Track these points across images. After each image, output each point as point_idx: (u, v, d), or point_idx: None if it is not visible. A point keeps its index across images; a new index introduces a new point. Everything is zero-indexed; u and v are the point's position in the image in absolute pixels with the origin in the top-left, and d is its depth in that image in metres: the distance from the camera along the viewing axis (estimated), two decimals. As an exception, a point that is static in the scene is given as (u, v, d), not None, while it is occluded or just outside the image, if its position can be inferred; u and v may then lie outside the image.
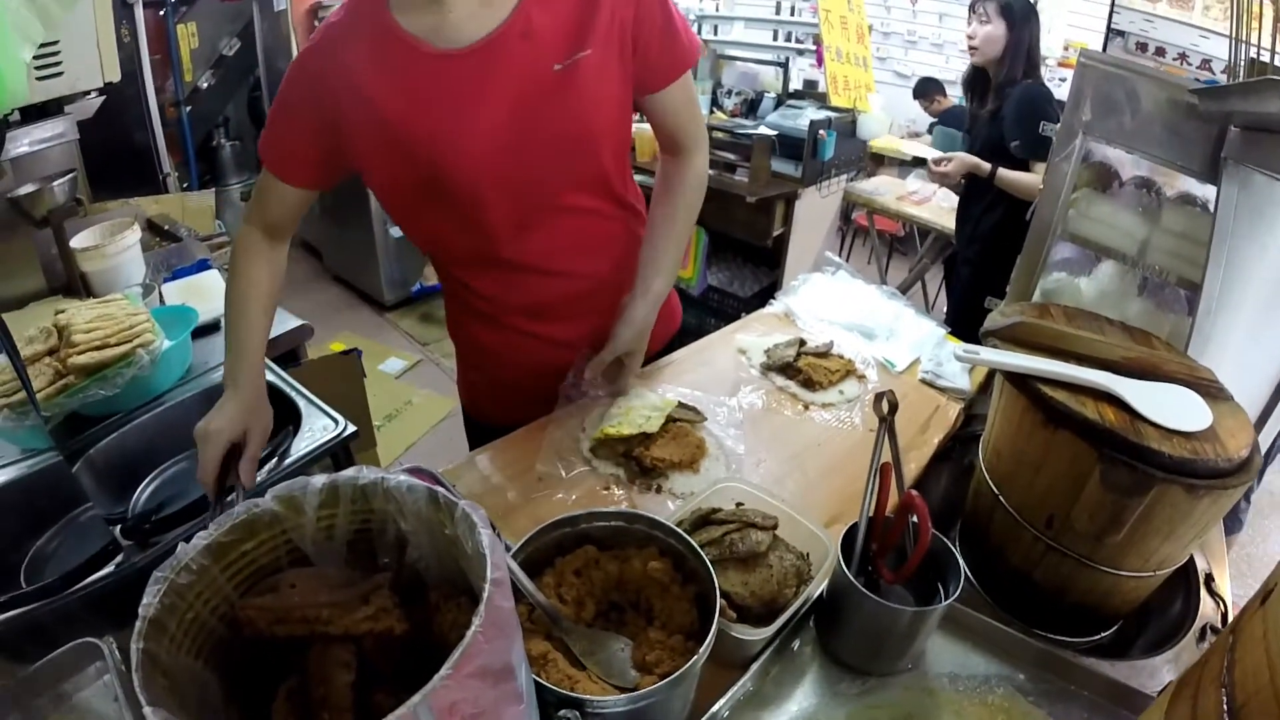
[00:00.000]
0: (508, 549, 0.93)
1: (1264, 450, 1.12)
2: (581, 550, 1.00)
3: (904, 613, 1.01)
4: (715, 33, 5.82)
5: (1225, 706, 0.60)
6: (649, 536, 1.01)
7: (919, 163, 4.87)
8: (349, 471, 0.78)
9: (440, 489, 0.74)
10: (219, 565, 0.74)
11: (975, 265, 3.58)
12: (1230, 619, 1.21)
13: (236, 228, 5.05)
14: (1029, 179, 3.17)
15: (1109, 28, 4.77)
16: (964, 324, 1.86)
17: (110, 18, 2.77)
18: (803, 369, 1.68)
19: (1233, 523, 3.28)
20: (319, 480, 0.77)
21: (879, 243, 5.76)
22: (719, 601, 0.91)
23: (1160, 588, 1.17)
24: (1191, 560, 1.26)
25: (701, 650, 0.82)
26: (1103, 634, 1.23)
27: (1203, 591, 1.25)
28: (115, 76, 2.83)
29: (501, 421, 1.58)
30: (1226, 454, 0.99)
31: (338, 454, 1.80)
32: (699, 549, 0.96)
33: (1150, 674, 1.11)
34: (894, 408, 1.09)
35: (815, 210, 4.45)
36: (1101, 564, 1.09)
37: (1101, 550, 1.07)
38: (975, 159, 3.36)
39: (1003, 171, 3.27)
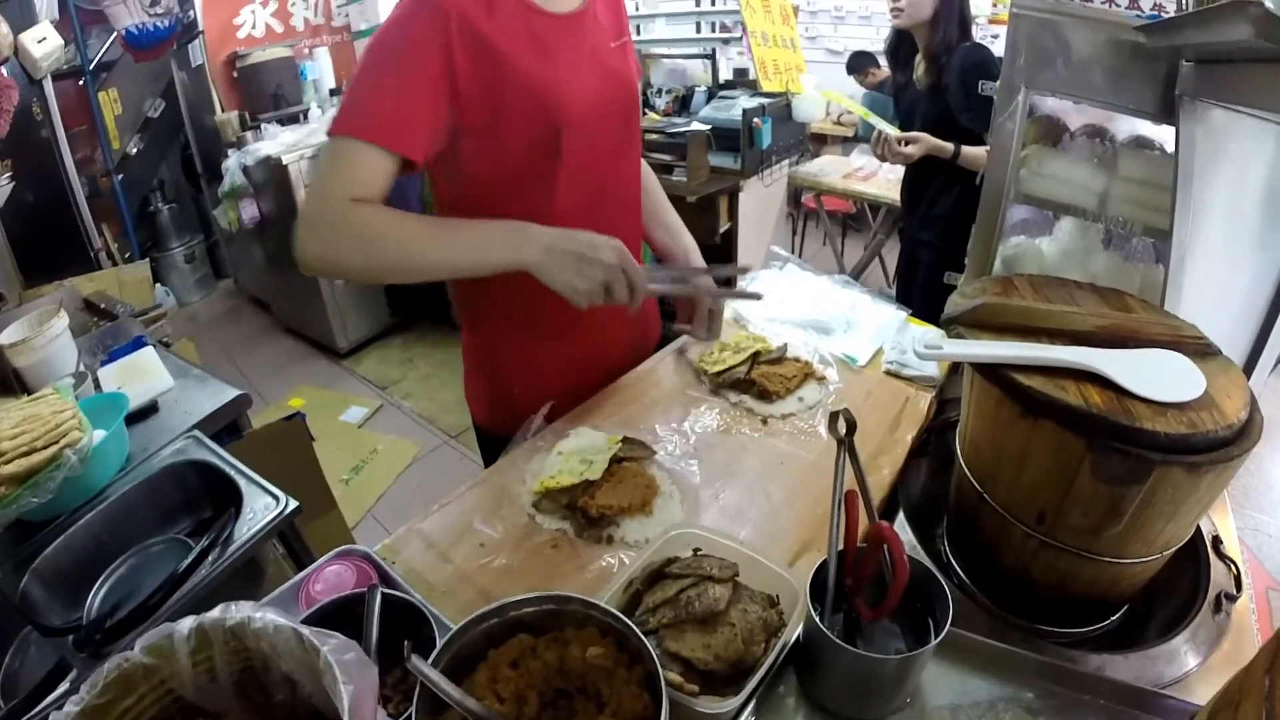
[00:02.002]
0: (431, 644, 0.81)
1: (1258, 393, 1.02)
2: (515, 640, 0.88)
3: (887, 662, 0.90)
4: (639, 32, 5.71)
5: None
6: (586, 616, 0.88)
7: (862, 138, 4.79)
8: (215, 612, 0.70)
9: (304, 629, 0.63)
10: (101, 730, 0.66)
11: (938, 248, 3.39)
12: (1242, 581, 1.13)
13: (182, 292, 4.97)
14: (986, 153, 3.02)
15: (1038, -22, 4.71)
16: (933, 309, 1.76)
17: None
18: (756, 380, 1.56)
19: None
20: (185, 625, 0.69)
21: (831, 224, 5.70)
22: (668, 685, 0.79)
23: (1166, 561, 1.07)
24: (1197, 528, 1.16)
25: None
26: (1111, 619, 1.14)
27: (1211, 556, 1.16)
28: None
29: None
30: (1225, 419, 0.90)
31: (284, 533, 1.72)
32: (637, 630, 0.83)
33: (1169, 659, 1.03)
34: (852, 427, 0.98)
35: (761, 200, 4.39)
36: (1102, 554, 0.99)
37: (1101, 541, 0.98)
38: (938, 141, 3.16)
39: (966, 150, 3.12)
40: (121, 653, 0.68)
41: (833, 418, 0.99)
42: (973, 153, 3.07)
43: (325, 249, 1.28)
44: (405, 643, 0.76)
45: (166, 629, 0.68)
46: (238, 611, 0.68)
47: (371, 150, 1.25)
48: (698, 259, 1.76)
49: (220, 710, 0.74)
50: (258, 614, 0.67)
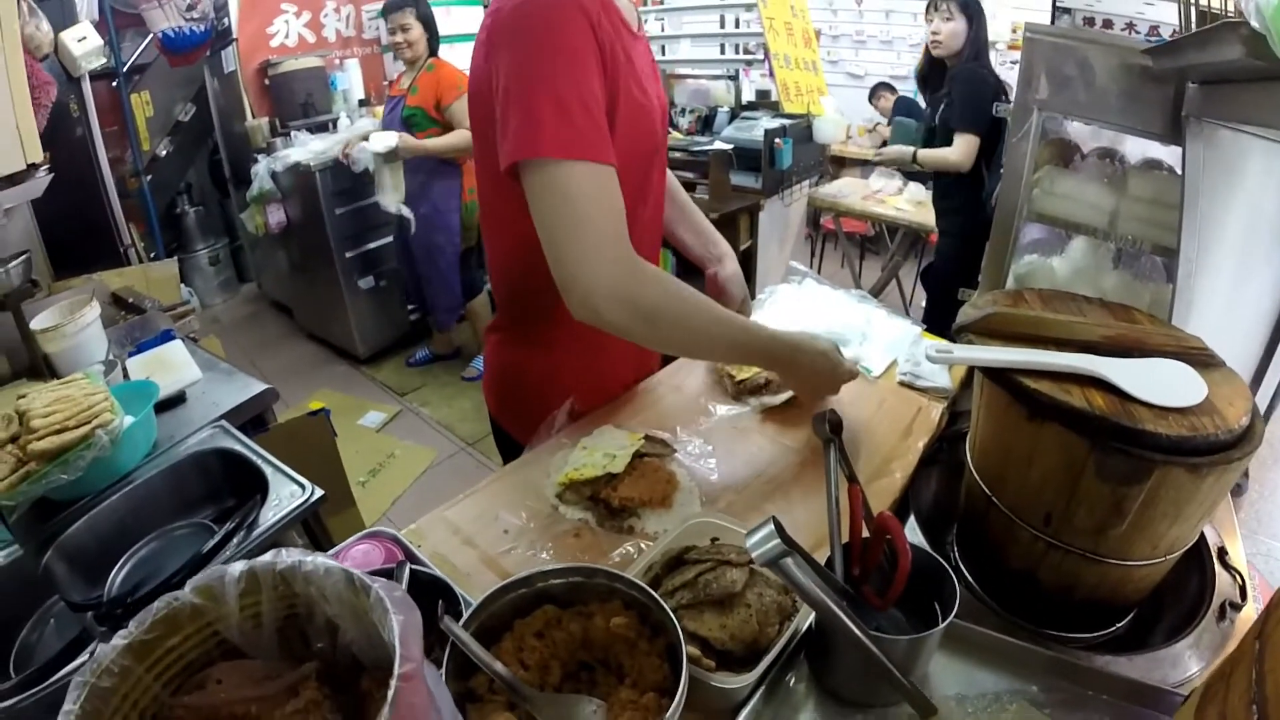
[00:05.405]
0: (459, 617, 0.85)
1: (1263, 410, 1.05)
2: (541, 611, 0.92)
3: (898, 643, 0.93)
4: (664, 53, 5.78)
5: (1260, 726, 0.52)
6: (611, 590, 0.92)
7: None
8: (267, 556, 0.73)
9: (355, 570, 0.66)
10: (143, 665, 0.69)
11: (947, 257, 3.77)
12: (1247, 591, 1.15)
13: (205, 294, 5.02)
14: (941, 153, 3.51)
15: (1055, 6, 4.78)
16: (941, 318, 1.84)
17: (27, 99, 2.68)
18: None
19: (1235, 487, 3.24)
20: (237, 568, 0.72)
21: (849, 245, 5.74)
22: (686, 658, 0.83)
23: (1172, 569, 1.10)
24: (1202, 536, 1.19)
25: (669, 713, 0.74)
26: (1118, 625, 1.16)
27: (1216, 566, 1.18)
28: (37, 157, 2.74)
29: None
30: (1227, 425, 0.93)
31: (308, 521, 1.75)
32: (661, 601, 0.87)
33: (1173, 663, 1.04)
34: (836, 427, 1.01)
35: (780, 219, 4.45)
36: (1108, 556, 1.02)
37: (1106, 542, 1.00)
38: (900, 149, 3.78)
39: (921, 153, 3.62)
40: (172, 592, 0.71)
41: (817, 419, 1.03)
42: (925, 154, 3.64)
43: (616, 307, 1.17)
44: (439, 602, 0.80)
45: (219, 570, 0.71)
46: (289, 556, 0.71)
47: (606, 173, 1.16)
48: (733, 262, 1.79)
49: (261, 656, 0.76)
50: (309, 558, 0.70)
